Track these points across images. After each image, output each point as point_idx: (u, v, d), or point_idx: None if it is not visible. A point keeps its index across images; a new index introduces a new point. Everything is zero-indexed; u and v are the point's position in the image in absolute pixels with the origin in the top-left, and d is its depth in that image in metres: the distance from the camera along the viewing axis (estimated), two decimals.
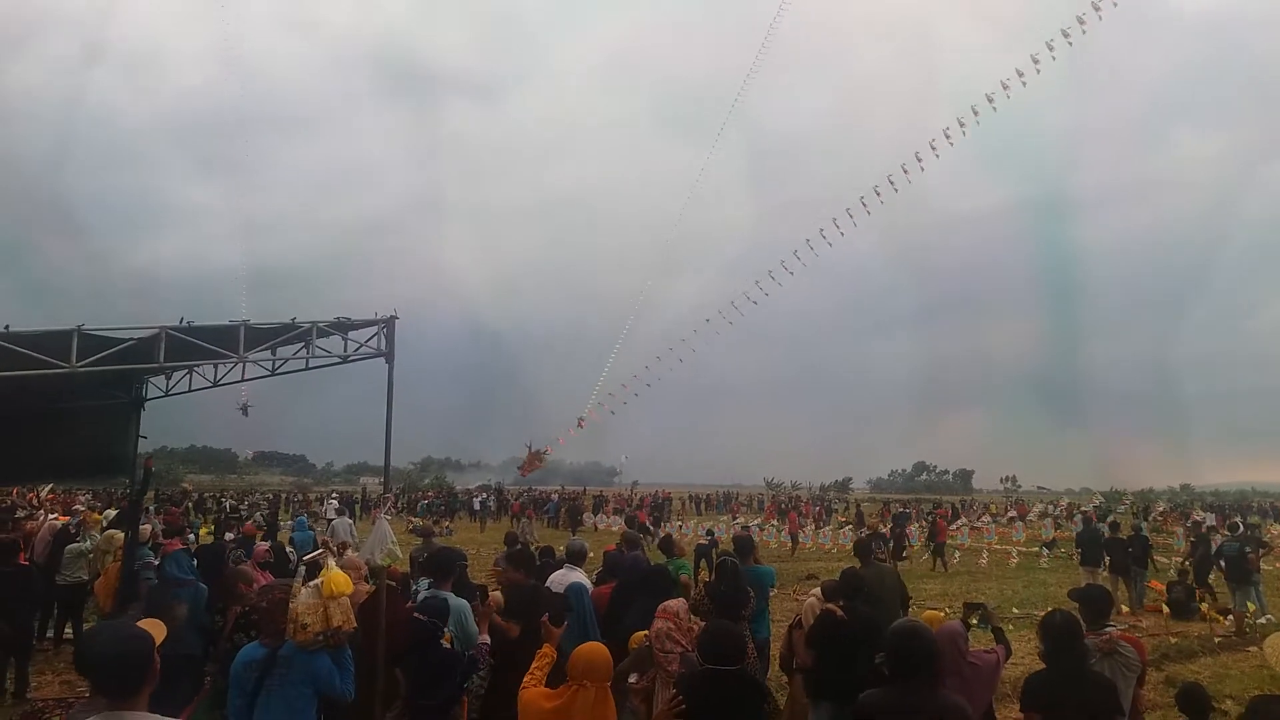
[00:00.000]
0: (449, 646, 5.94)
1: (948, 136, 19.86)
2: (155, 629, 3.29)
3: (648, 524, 25.67)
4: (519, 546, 9.33)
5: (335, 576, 5.10)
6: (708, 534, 22.00)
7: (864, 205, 21.24)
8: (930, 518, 33.47)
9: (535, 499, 46.90)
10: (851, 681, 6.19)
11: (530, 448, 32.40)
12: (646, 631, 5.86)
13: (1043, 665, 4.97)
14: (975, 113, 19.50)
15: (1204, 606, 15.40)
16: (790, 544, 29.86)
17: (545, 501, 45.78)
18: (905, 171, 20.63)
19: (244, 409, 42.07)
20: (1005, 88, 19.04)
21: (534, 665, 4.92)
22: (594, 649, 4.51)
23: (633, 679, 5.54)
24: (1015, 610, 15.82)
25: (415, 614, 6.09)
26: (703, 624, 5.88)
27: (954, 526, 34.50)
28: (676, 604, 5.97)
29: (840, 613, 6.56)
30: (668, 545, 9.67)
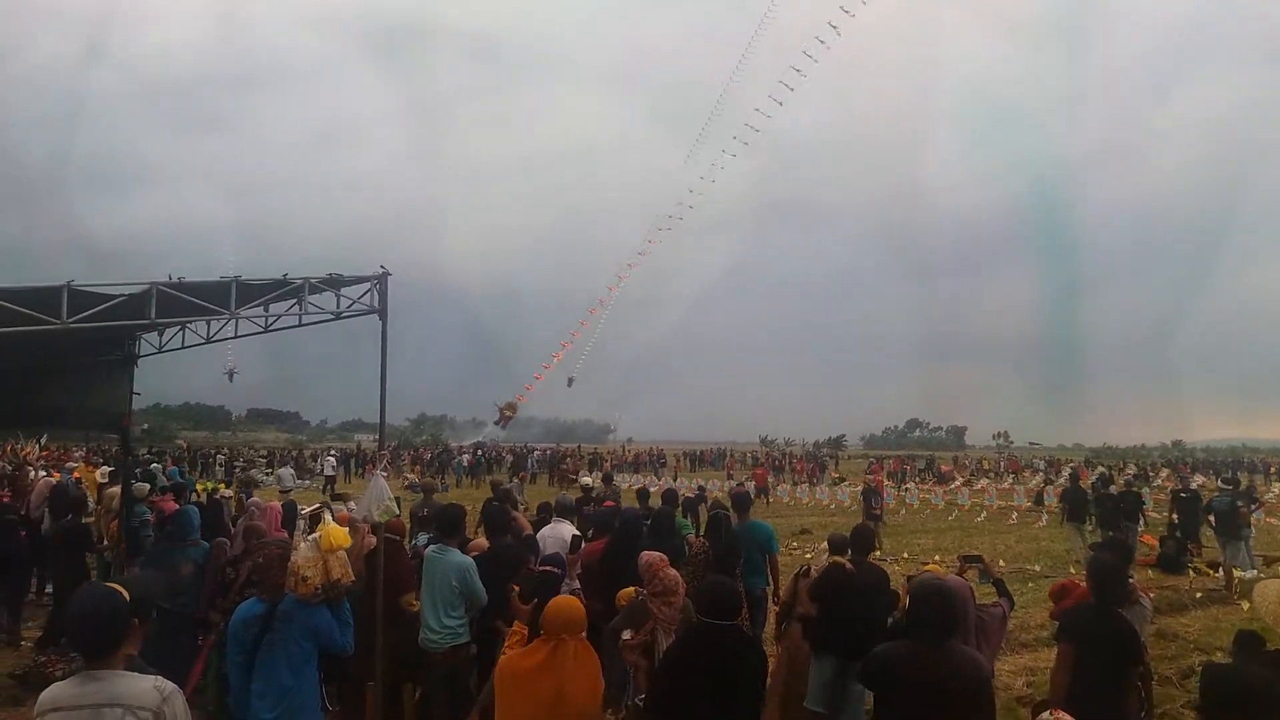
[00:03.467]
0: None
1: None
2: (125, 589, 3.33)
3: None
4: (497, 504, 9.36)
5: (333, 530, 5.13)
6: (698, 489, 22.19)
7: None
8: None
9: (518, 456, 46.86)
10: (856, 636, 6.26)
11: (497, 404, 32.80)
12: (635, 588, 5.87)
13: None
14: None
15: (1197, 562, 15.59)
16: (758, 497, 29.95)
17: (526, 457, 45.56)
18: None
19: (230, 375, 42.13)
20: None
21: (506, 645, 4.94)
22: (567, 601, 4.51)
23: (627, 635, 5.53)
24: (1002, 563, 15.97)
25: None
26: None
27: (953, 486, 34.78)
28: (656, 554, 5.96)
29: (849, 566, 6.59)
30: (671, 497, 9.61)
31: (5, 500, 12.21)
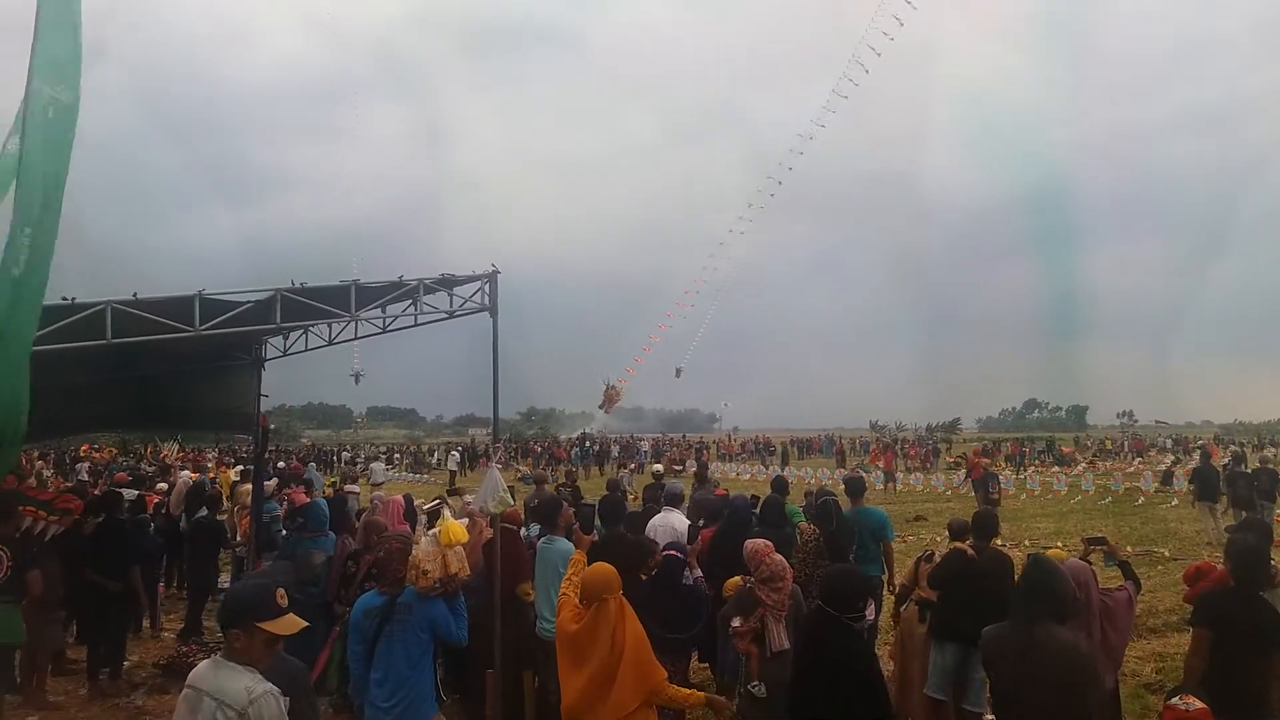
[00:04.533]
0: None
1: None
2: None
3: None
4: (618, 494, 9.48)
5: (452, 526, 5.33)
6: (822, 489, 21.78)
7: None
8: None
9: (625, 447, 47.26)
10: (979, 623, 6.16)
11: (606, 384, 33.08)
12: (741, 576, 5.87)
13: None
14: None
15: None
16: (887, 484, 29.66)
17: (635, 450, 45.97)
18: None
19: (356, 378, 43.63)
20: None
21: (569, 572, 5.09)
22: (600, 567, 4.64)
23: (736, 622, 5.54)
24: (1129, 548, 15.37)
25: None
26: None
27: (1076, 469, 33.58)
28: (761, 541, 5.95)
29: (971, 551, 6.49)
30: (781, 485, 9.50)
31: (156, 500, 12.99)
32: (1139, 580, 6.21)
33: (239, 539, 11.81)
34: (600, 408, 35.01)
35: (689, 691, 4.59)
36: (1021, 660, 3.99)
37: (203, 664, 3.38)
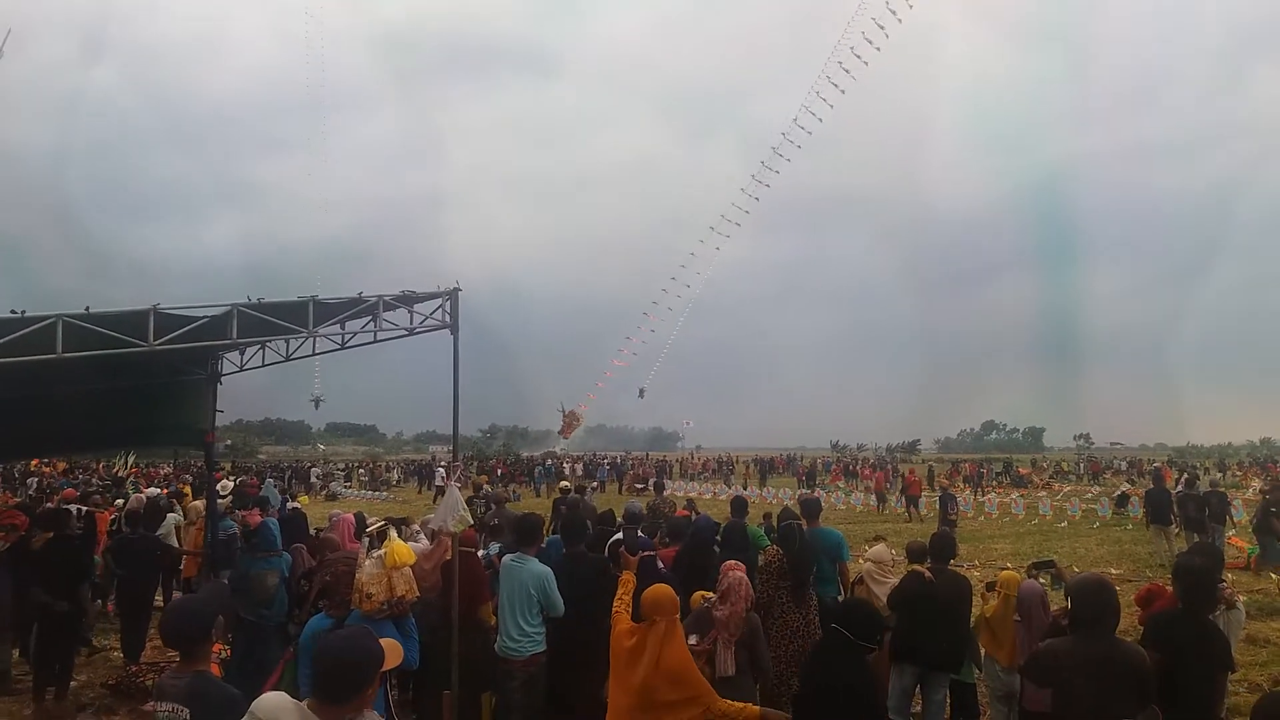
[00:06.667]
0: None
1: None
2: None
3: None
4: (578, 514, 9.41)
5: (398, 548, 5.27)
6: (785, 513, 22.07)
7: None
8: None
9: (588, 465, 47.21)
10: (938, 644, 6.21)
11: (563, 410, 33.11)
12: (706, 593, 5.91)
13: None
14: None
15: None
16: (877, 505, 30.59)
17: (597, 468, 45.97)
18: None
19: (316, 402, 43.15)
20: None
21: (620, 592, 5.19)
22: (659, 589, 4.74)
23: (692, 640, 5.55)
24: (1075, 569, 15.58)
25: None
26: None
27: (1033, 490, 34.05)
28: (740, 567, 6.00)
29: (929, 574, 6.54)
30: (740, 505, 9.51)
31: (111, 516, 12.73)
32: None
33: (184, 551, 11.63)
34: (559, 433, 35.01)
35: (742, 705, 4.60)
36: (1091, 669, 4.14)
37: (284, 703, 3.02)
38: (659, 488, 16.32)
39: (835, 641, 4.58)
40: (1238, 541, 16.97)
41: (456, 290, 8.48)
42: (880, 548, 7.95)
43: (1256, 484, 29.82)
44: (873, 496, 32.24)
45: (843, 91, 31.76)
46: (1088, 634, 4.26)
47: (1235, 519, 19.26)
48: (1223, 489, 20.32)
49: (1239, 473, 48.96)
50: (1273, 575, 14.50)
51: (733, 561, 5.95)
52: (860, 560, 8.56)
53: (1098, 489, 37.84)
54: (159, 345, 7.16)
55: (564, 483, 18.42)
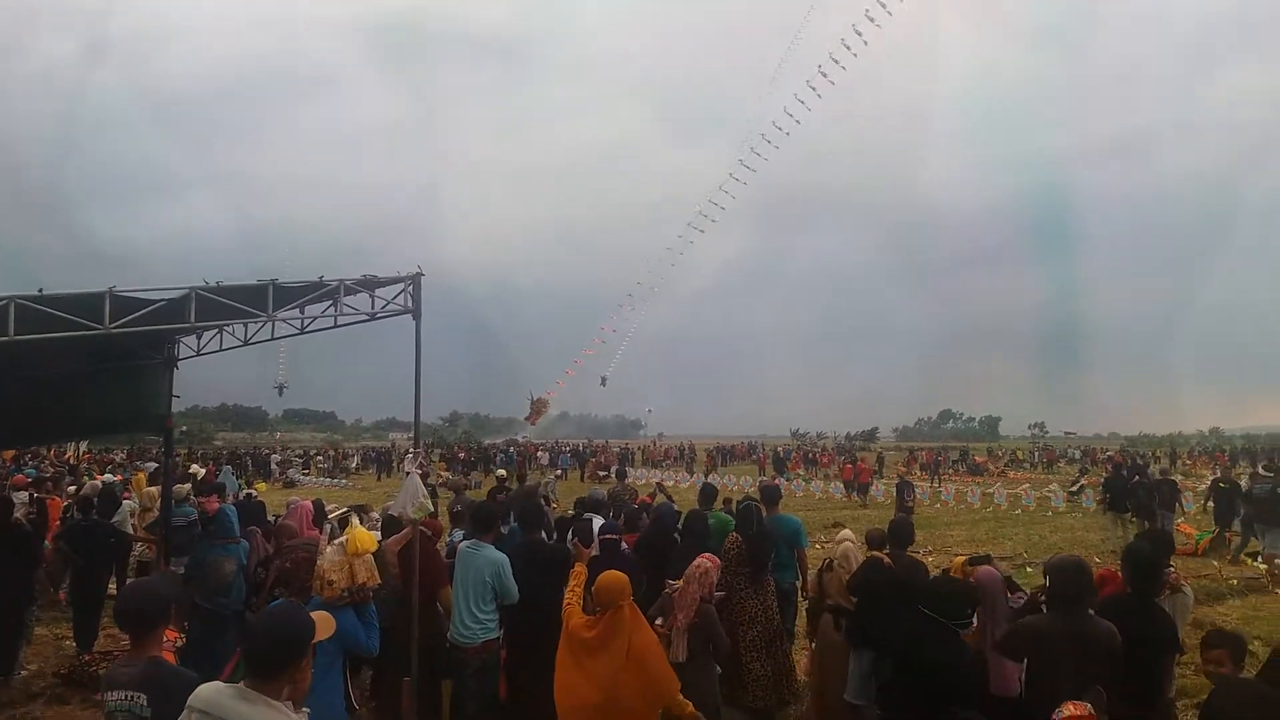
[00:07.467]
0: None
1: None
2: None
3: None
4: (538, 500, 9.44)
5: (360, 534, 5.23)
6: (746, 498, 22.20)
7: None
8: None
9: (551, 452, 47.25)
10: (895, 628, 6.29)
11: (532, 397, 33.07)
12: (674, 582, 5.97)
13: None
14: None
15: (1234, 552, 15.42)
16: (850, 495, 29.95)
17: (559, 454, 45.99)
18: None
19: (280, 389, 42.55)
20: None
21: (571, 584, 5.17)
22: (613, 575, 4.70)
23: (659, 622, 5.67)
24: (1026, 555, 16.19)
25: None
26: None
27: (989, 478, 34.51)
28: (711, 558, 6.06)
29: (887, 560, 6.62)
30: (709, 494, 9.48)
31: (64, 504, 12.51)
32: (1023, 590, 6.45)
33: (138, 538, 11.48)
34: (526, 419, 34.76)
35: (694, 712, 4.62)
36: (1068, 643, 4.38)
37: (221, 688, 3.03)
38: (620, 475, 16.33)
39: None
40: (1186, 529, 17.36)
41: (419, 275, 8.42)
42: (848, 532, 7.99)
43: (1208, 474, 30.39)
44: (834, 485, 32.47)
45: (819, 95, 31.66)
46: (1066, 610, 4.49)
47: (1185, 508, 19.67)
48: (1173, 477, 20.74)
49: (1189, 461, 50.00)
50: (1214, 563, 14.84)
51: (708, 554, 6.04)
52: (827, 545, 8.61)
53: (1052, 478, 38.41)
54: (114, 328, 7.04)
55: (500, 471, 18.30)
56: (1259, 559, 14.57)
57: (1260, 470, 18.65)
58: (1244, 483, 16.80)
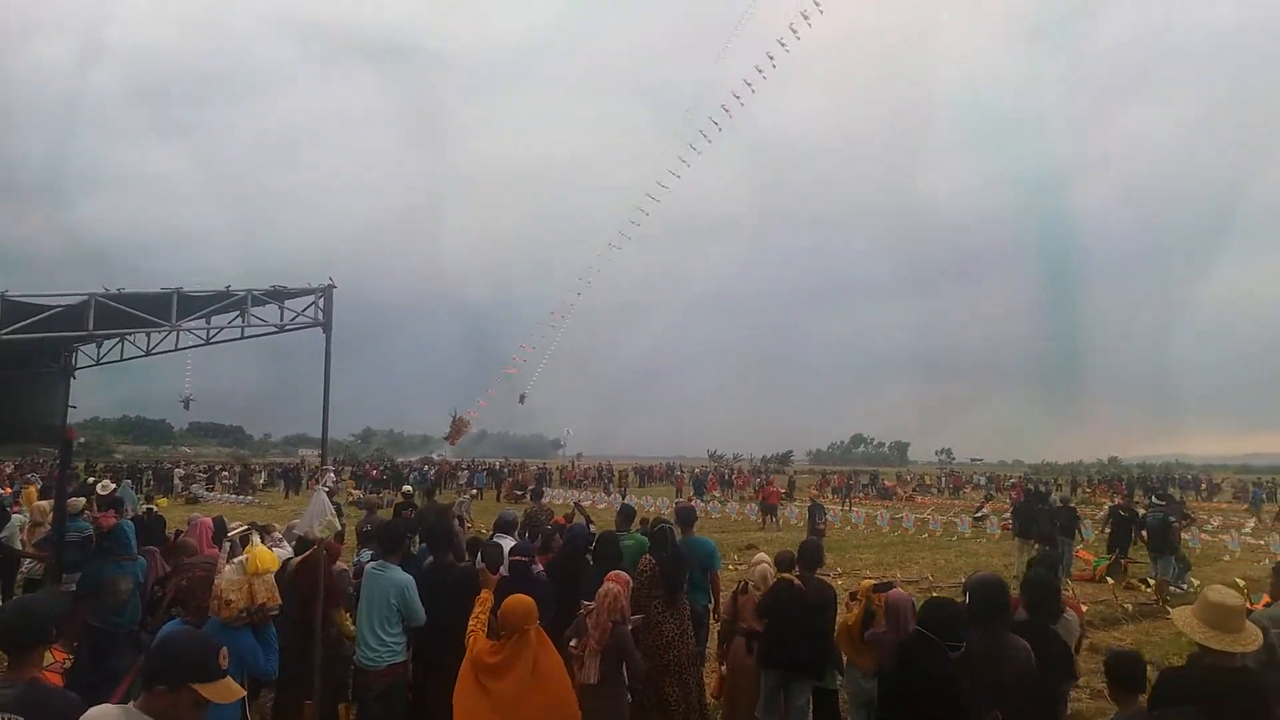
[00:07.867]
0: None
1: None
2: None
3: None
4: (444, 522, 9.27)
5: (260, 553, 5.09)
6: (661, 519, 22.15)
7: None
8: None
9: (469, 470, 46.69)
10: (804, 651, 6.35)
11: (455, 415, 32.72)
12: (588, 603, 5.93)
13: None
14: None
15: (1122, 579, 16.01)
16: (766, 517, 29.34)
17: (474, 474, 45.41)
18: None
19: (186, 403, 41.18)
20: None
21: (476, 610, 5.09)
22: (518, 599, 4.71)
23: (573, 644, 5.65)
24: (931, 579, 16.62)
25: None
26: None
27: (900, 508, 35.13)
28: (625, 576, 6.05)
29: (798, 582, 6.66)
30: (628, 514, 9.40)
31: None
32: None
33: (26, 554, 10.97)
34: (445, 439, 34.25)
35: None
36: (998, 663, 4.46)
37: (108, 710, 2.91)
38: (536, 495, 16.10)
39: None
40: (1085, 555, 17.92)
41: (330, 287, 8.30)
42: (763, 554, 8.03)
43: (1106, 502, 31.49)
44: (749, 506, 32.69)
45: (742, 103, 31.87)
46: (984, 629, 4.58)
47: (1085, 534, 20.33)
48: (1073, 504, 21.42)
49: (1088, 489, 51.81)
50: (1109, 579, 15.43)
51: (616, 572, 5.99)
52: (741, 566, 8.62)
53: (958, 503, 39.40)
54: (5, 335, 6.76)
55: (406, 487, 17.97)
56: (1148, 584, 15.14)
57: (1153, 499, 19.46)
58: (1140, 511, 17.49)
